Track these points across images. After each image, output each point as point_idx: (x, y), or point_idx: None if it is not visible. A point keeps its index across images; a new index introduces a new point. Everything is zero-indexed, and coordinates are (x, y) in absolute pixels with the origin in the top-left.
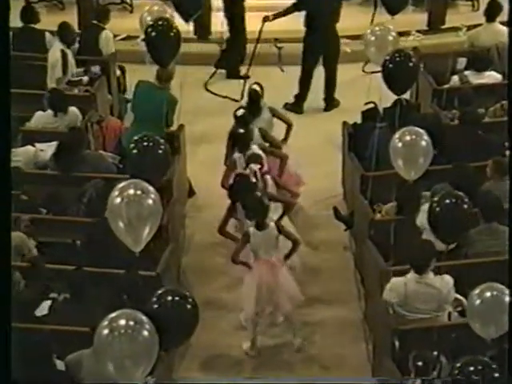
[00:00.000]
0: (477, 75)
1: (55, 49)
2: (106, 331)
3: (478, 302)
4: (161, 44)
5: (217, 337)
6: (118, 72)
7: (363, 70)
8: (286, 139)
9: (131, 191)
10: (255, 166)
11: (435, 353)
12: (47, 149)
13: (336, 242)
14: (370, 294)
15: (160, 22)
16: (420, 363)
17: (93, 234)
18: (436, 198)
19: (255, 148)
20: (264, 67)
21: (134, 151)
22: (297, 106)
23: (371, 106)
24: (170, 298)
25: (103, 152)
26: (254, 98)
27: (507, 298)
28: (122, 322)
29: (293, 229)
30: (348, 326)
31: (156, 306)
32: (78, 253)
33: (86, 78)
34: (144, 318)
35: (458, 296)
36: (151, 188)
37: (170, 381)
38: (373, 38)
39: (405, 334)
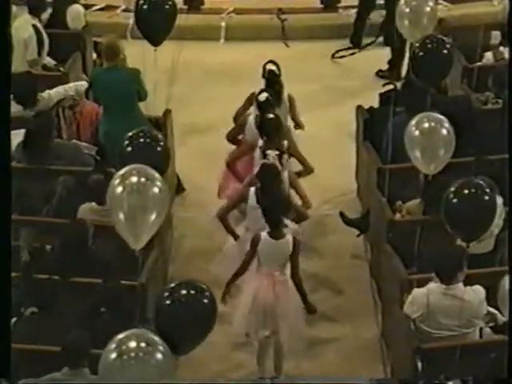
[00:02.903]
0: None
1: (25, 23)
2: (113, 355)
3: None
4: (153, 19)
5: (210, 356)
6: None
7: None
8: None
9: (134, 179)
10: (273, 152)
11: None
12: (12, 137)
13: (348, 246)
14: (389, 307)
15: None
16: None
17: (66, 238)
18: (453, 188)
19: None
20: (265, 42)
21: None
22: (391, 73)
23: (390, 87)
24: (184, 291)
25: (77, 142)
26: (273, 81)
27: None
28: (133, 344)
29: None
30: (363, 345)
31: (168, 302)
32: (47, 259)
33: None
34: (157, 338)
35: (491, 309)
36: (157, 174)
37: None
38: (407, 10)
39: (428, 353)
